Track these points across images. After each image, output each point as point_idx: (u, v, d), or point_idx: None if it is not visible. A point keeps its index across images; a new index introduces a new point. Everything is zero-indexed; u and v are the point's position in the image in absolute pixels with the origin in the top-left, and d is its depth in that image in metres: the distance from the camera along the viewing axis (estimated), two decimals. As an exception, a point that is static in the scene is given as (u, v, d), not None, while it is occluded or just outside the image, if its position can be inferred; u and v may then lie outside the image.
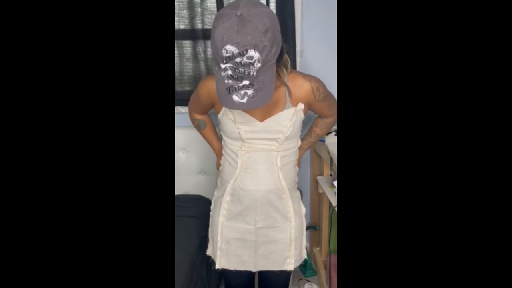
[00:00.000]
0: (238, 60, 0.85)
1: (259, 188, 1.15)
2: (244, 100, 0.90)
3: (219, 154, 1.34)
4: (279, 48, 0.92)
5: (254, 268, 1.24)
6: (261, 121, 1.09)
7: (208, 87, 1.13)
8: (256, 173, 1.14)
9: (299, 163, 1.30)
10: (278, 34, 0.91)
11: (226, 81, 0.90)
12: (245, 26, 0.84)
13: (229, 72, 0.88)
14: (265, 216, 1.18)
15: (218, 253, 1.23)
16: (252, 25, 0.84)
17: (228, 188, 1.19)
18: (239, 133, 1.10)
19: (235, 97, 0.90)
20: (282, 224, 1.20)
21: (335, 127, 1.78)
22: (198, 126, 1.34)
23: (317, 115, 1.29)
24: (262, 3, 0.92)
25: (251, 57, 0.85)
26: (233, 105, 0.92)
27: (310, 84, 1.10)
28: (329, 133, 1.72)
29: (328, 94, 1.17)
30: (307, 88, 1.10)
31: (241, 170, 1.15)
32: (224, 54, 0.86)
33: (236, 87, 0.89)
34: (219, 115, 1.15)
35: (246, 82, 0.88)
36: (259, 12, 0.87)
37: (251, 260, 1.23)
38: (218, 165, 1.33)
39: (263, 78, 0.90)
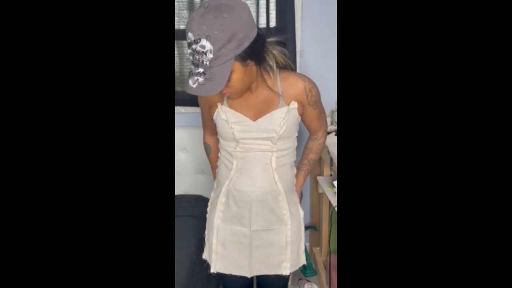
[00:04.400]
0: (194, 47, 0.90)
1: (254, 189, 1.14)
2: (194, 86, 0.94)
3: None
4: (242, 46, 0.92)
5: (249, 273, 1.23)
6: (254, 120, 1.09)
7: None
8: (251, 174, 1.14)
9: (298, 190, 1.29)
10: (241, 32, 0.90)
11: (191, 66, 0.96)
12: (205, 17, 0.88)
13: (191, 57, 0.94)
14: (261, 218, 1.17)
15: (213, 256, 1.22)
16: (211, 17, 0.87)
17: (223, 189, 1.18)
18: (233, 133, 1.10)
19: (190, 81, 0.95)
20: (278, 227, 1.19)
21: (335, 127, 1.78)
22: (206, 151, 1.37)
23: (307, 138, 1.28)
24: (237, 1, 0.93)
25: (203, 46, 0.89)
26: (187, 88, 0.96)
27: (304, 83, 1.09)
28: (329, 133, 1.72)
29: (320, 101, 1.16)
30: (300, 86, 1.09)
31: (236, 171, 1.15)
32: (188, 40, 0.91)
33: (193, 72, 0.94)
34: (214, 117, 1.14)
35: (200, 70, 0.93)
36: (225, 7, 0.89)
37: (246, 265, 1.21)
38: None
39: (215, 70, 0.92)
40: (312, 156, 1.27)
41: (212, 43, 0.88)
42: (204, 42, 0.88)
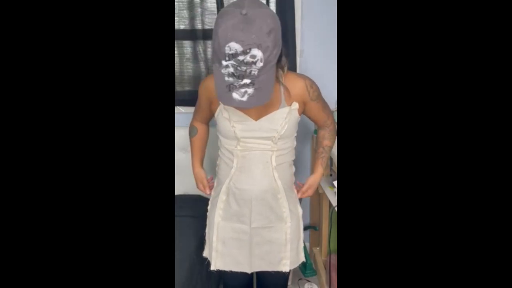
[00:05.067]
0: (241, 58, 0.86)
1: (254, 188, 1.15)
2: (244, 99, 0.91)
3: (197, 174, 1.31)
4: (280, 49, 0.94)
5: (249, 269, 1.24)
6: (255, 119, 1.10)
7: (206, 84, 1.15)
8: (251, 172, 1.14)
9: (318, 178, 1.24)
10: (279, 36, 0.92)
11: (226, 79, 0.90)
12: (250, 25, 0.85)
13: (231, 69, 0.88)
14: (260, 216, 1.18)
15: (214, 254, 1.23)
16: (257, 25, 0.86)
17: (224, 187, 1.19)
18: (234, 132, 1.11)
19: (235, 95, 0.91)
20: (277, 224, 1.20)
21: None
22: (190, 132, 1.33)
23: (317, 129, 1.28)
24: (265, 5, 0.94)
25: (254, 56, 0.86)
26: (232, 103, 0.92)
27: (304, 81, 1.12)
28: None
29: (320, 94, 1.18)
30: (301, 85, 1.11)
31: (236, 170, 1.16)
32: (227, 51, 0.86)
33: (237, 85, 0.90)
34: (215, 114, 1.15)
35: (246, 81, 0.89)
36: (263, 13, 0.88)
37: (246, 261, 1.23)
38: (199, 185, 1.31)
39: (263, 78, 0.90)
40: (327, 142, 1.26)
41: (262, 51, 0.86)
42: (255, 51, 0.86)
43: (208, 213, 1.28)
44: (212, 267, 1.24)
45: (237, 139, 1.12)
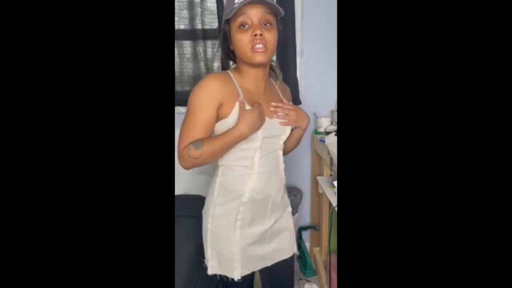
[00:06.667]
0: None
1: (271, 191, 1.17)
2: None
3: (248, 113, 1.03)
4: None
5: (270, 262, 1.25)
6: (270, 118, 1.12)
7: (214, 87, 1.02)
8: (269, 176, 1.15)
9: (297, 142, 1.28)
10: None
11: None
12: None
13: None
14: (275, 213, 1.22)
15: (236, 265, 1.16)
16: None
17: (244, 198, 1.12)
18: (257, 132, 1.05)
19: None
20: (283, 212, 1.26)
21: (335, 127, 1.78)
22: (191, 147, 1.05)
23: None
24: None
25: None
26: None
27: (289, 90, 1.27)
28: (329, 133, 1.73)
29: None
30: (289, 91, 1.28)
31: (258, 176, 1.11)
32: None
33: None
34: (231, 118, 1.03)
35: None
36: None
37: (267, 256, 1.24)
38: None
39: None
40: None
41: None
42: None
43: (211, 228, 1.17)
44: (237, 277, 1.16)
45: (258, 140, 1.07)
